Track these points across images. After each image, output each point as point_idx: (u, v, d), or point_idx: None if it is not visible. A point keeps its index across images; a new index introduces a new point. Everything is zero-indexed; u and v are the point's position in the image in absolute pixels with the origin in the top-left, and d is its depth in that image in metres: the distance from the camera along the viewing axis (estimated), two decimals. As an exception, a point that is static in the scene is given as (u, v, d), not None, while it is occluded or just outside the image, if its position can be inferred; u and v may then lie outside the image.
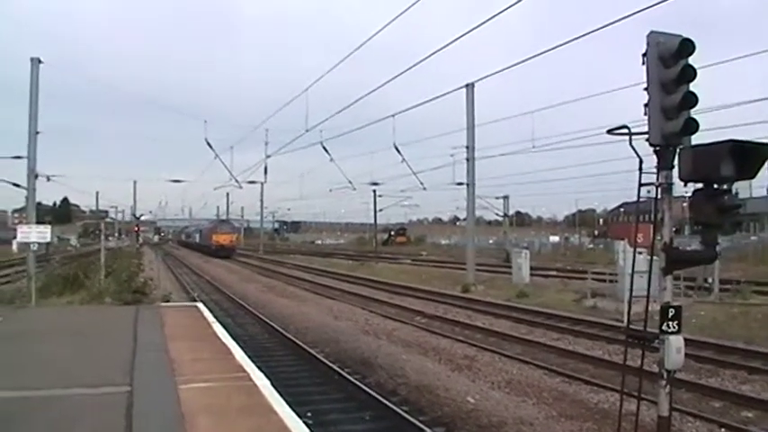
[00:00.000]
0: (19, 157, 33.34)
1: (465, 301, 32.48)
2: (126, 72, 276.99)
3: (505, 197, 66.31)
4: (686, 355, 8.90)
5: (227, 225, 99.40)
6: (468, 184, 41.46)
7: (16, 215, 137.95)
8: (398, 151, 43.84)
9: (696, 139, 8.62)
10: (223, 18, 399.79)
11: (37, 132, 32.97)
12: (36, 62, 32.89)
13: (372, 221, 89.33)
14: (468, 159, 40.90)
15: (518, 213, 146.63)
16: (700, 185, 8.57)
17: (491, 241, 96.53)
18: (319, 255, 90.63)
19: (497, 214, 69.57)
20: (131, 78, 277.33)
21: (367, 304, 32.62)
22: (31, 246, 26.02)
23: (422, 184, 48.33)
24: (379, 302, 33.38)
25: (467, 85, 39.36)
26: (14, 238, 56.23)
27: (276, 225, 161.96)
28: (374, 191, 73.04)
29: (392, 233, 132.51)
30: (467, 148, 40.74)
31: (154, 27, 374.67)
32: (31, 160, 32.85)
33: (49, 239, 26.63)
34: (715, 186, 8.47)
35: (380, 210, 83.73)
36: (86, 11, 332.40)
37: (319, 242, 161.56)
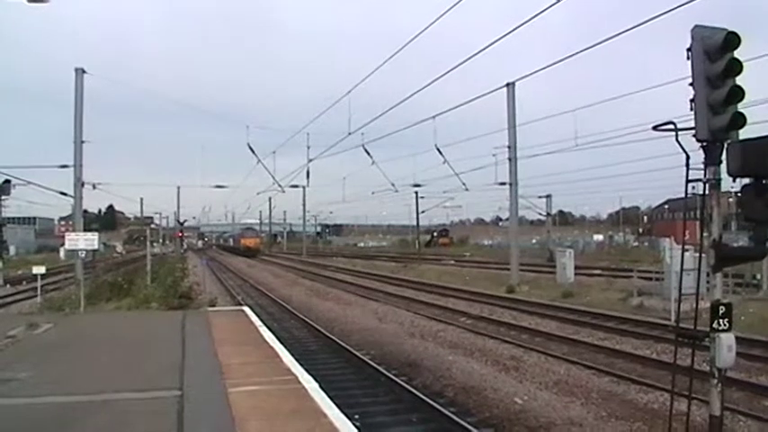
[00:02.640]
0: (65, 166, 33.97)
1: (510, 302, 32.34)
2: (168, 79, 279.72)
3: (548, 196, 65.59)
4: (736, 353, 8.78)
5: (252, 231, 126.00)
6: (510, 184, 41.30)
7: (63, 223, 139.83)
8: (440, 152, 43.84)
9: (745, 133, 8.52)
10: (264, 23, 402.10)
11: (82, 141, 33.54)
12: (80, 72, 33.47)
13: (415, 223, 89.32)
14: (510, 159, 40.74)
15: (561, 212, 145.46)
16: (749, 181, 8.46)
17: (534, 241, 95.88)
18: (362, 257, 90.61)
19: (540, 214, 68.86)
20: (174, 85, 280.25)
21: (411, 306, 32.61)
22: (79, 253, 26.42)
23: (464, 184, 48.16)
24: (424, 304, 33.36)
25: (507, 85, 39.21)
26: (62, 245, 57.13)
27: (319, 228, 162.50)
28: (416, 192, 73.04)
29: (435, 234, 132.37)
30: (508, 147, 40.59)
31: (196, 34, 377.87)
32: (77, 169, 33.45)
33: (96, 247, 26.97)
34: (764, 181, 8.35)
35: (423, 211, 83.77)
36: (131, 21, 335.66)
37: (362, 245, 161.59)
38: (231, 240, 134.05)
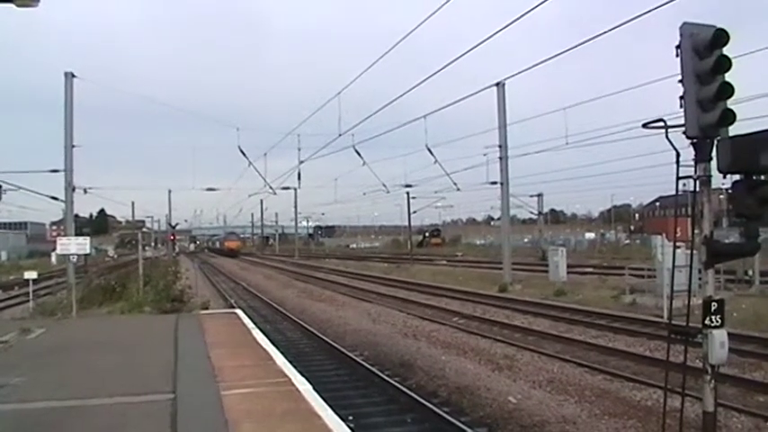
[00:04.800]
0: (56, 171, 33.88)
1: (503, 301, 32.37)
2: (158, 82, 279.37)
3: (539, 195, 65.75)
4: (729, 349, 8.80)
5: (234, 236, 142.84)
6: (501, 183, 41.32)
7: (54, 228, 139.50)
8: (431, 152, 43.85)
9: (735, 129, 8.54)
10: (254, 25, 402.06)
11: (73, 146, 33.44)
12: (70, 76, 33.34)
13: (406, 223, 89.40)
14: (501, 158, 40.75)
15: (552, 211, 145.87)
16: (739, 177, 8.48)
17: (526, 240, 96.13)
18: (354, 258, 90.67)
19: (532, 212, 68.97)
20: (163, 88, 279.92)
21: (404, 306, 32.59)
22: (71, 257, 26.34)
23: (455, 184, 48.20)
24: (417, 304, 33.35)
25: (497, 84, 39.23)
26: (53, 250, 56.92)
27: (311, 230, 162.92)
28: (407, 193, 73.09)
29: (427, 235, 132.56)
30: (499, 146, 40.60)
31: (185, 37, 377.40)
32: (68, 173, 33.34)
33: (88, 251, 26.91)
34: (755, 177, 8.37)
35: (414, 212, 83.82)
36: (120, 25, 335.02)
37: (354, 246, 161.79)
38: (218, 243, 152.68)
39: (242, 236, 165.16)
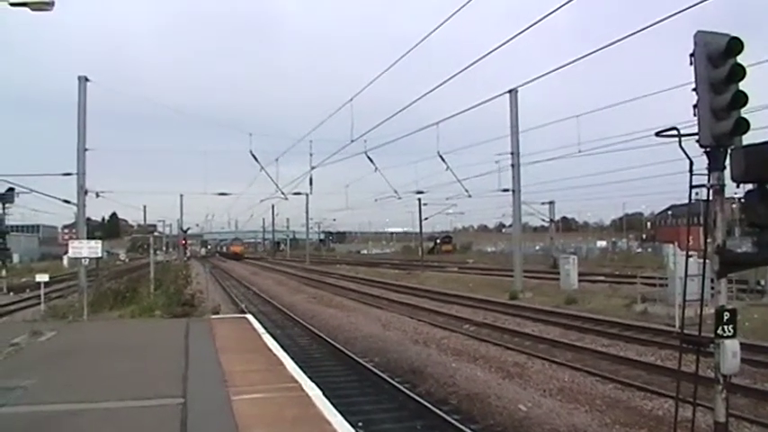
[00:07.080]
0: (68, 174, 34.04)
1: (513, 309, 32.26)
2: (170, 87, 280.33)
3: (551, 203, 65.63)
4: (741, 359, 8.74)
5: (239, 241, 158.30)
6: (513, 191, 41.23)
7: (66, 231, 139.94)
8: (443, 159, 43.81)
9: (749, 138, 8.49)
10: (266, 31, 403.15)
11: (85, 149, 33.58)
12: (83, 80, 33.49)
13: (418, 230, 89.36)
14: (513, 165, 40.66)
15: (564, 219, 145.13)
16: (752, 186, 8.43)
17: (537, 247, 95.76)
18: (365, 264, 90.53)
19: (543, 220, 68.91)
20: (176, 93, 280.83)
21: (415, 313, 32.52)
22: (82, 260, 26.41)
23: (467, 191, 48.18)
24: (427, 311, 33.28)
25: (510, 91, 39.16)
26: (65, 253, 57.10)
27: (322, 236, 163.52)
28: (419, 199, 73.18)
29: (438, 241, 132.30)
30: (511, 154, 40.51)
31: (197, 42, 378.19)
32: (81, 177, 33.51)
33: (100, 254, 26.92)
34: (768, 186, 8.33)
35: (426, 218, 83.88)
36: (133, 30, 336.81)
37: (365, 252, 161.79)
38: (224, 248, 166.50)
39: (253, 241, 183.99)
